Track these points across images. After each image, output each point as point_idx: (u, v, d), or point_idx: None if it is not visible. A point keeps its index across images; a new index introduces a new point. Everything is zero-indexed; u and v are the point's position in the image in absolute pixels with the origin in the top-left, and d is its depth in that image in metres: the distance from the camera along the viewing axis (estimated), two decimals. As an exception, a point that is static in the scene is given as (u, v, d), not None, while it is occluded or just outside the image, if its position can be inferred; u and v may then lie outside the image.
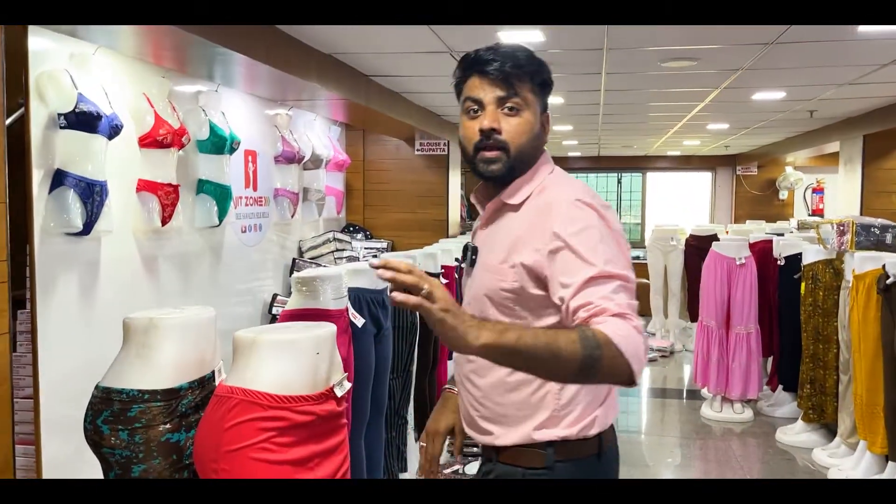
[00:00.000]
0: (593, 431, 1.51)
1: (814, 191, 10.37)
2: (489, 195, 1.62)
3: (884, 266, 3.71)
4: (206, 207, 3.87)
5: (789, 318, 5.11)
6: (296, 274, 2.85)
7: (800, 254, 5.01)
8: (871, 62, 3.85)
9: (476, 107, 1.53)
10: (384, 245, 5.84)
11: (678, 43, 3.45)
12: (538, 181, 1.56)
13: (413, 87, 4.77)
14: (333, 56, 3.85)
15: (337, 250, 5.31)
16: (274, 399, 1.54)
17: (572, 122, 6.61)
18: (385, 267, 1.23)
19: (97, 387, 1.75)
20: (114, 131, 3.05)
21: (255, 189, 4.55)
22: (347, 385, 1.70)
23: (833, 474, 4.13)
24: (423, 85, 4.67)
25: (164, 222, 3.44)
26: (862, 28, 3.04)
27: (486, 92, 1.51)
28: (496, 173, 1.53)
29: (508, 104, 1.51)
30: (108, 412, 1.71)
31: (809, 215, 9.89)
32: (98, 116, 2.91)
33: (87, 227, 2.92)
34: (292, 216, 4.99)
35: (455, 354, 1.68)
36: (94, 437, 1.72)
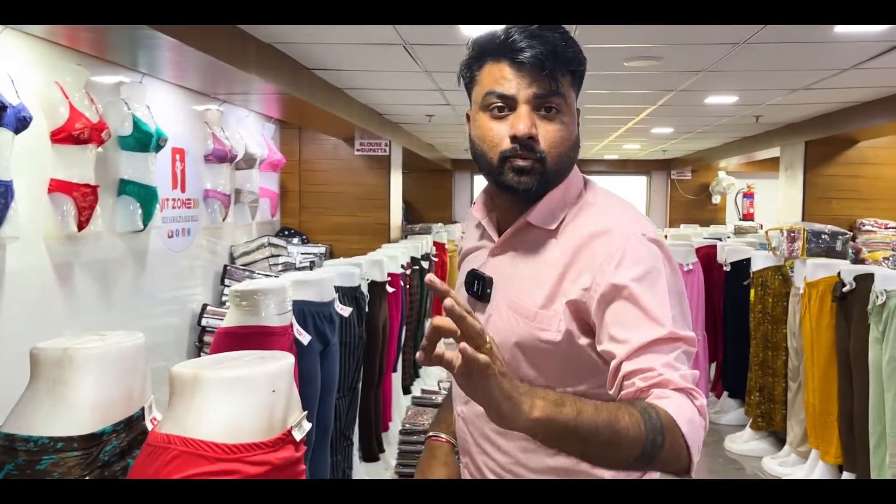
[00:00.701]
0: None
1: (744, 195, 10.59)
2: (507, 213, 1.33)
3: (839, 274, 3.67)
4: (128, 210, 3.51)
5: (735, 325, 5.08)
6: (234, 286, 2.56)
7: (745, 259, 4.98)
8: (833, 66, 3.80)
9: (503, 104, 1.24)
10: (322, 250, 5.53)
11: (645, 41, 3.30)
12: (575, 199, 1.29)
13: (357, 83, 4.49)
14: (273, 45, 3.55)
15: (272, 256, 4.98)
16: (222, 449, 1.27)
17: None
18: (457, 304, 0.92)
19: (-2, 433, 1.44)
20: (21, 124, 2.68)
21: (183, 190, 4.19)
22: (307, 426, 1.44)
23: (785, 484, 4.08)
24: (368, 81, 4.40)
25: (80, 227, 3.08)
26: (838, 29, 2.95)
27: (522, 87, 1.22)
28: (529, 187, 1.24)
29: (547, 104, 1.23)
30: (13, 465, 1.40)
31: (740, 219, 10.07)
32: (2, 107, 2.54)
33: (-11, 233, 2.55)
34: (224, 219, 4.64)
35: (455, 397, 1.45)
36: (-7, 495, 1.41)
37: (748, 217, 10.25)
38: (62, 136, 2.99)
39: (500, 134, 1.24)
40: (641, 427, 1.00)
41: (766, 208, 9.67)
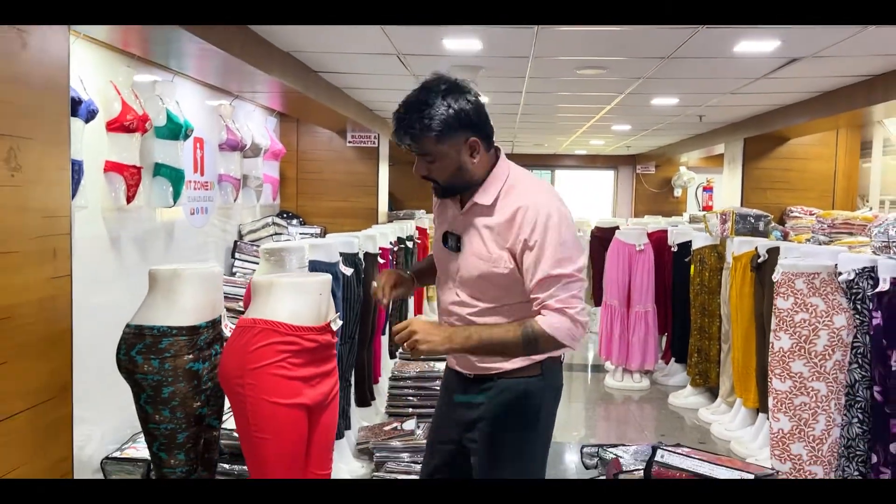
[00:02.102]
0: (558, 353, 1.97)
1: (704, 189, 11.37)
2: (464, 196, 1.95)
3: (756, 248, 4.41)
4: (162, 189, 4.15)
5: (681, 298, 5.82)
6: (264, 245, 3.23)
7: (689, 241, 5.72)
8: (746, 76, 4.55)
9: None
10: (318, 231, 6.19)
11: (592, 54, 4.01)
12: (502, 182, 1.90)
13: (355, 84, 5.17)
14: (287, 52, 4.22)
15: (276, 234, 5.63)
16: (289, 328, 1.96)
17: (492, 121, 7.14)
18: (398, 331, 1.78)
19: (129, 325, 2.11)
20: (90, 115, 3.33)
21: (202, 174, 4.84)
22: (339, 322, 2.12)
23: (714, 429, 4.82)
24: (364, 82, 5.07)
25: (128, 201, 3.73)
26: (737, 48, 3.68)
27: (408, 148, 1.88)
28: (439, 195, 1.96)
29: (423, 155, 1.87)
30: (141, 345, 2.07)
31: (700, 211, 10.84)
32: (78, 101, 3.19)
33: (67, 202, 3.20)
34: (234, 200, 5.29)
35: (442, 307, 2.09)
36: (128, 366, 2.08)
37: (707, 209, 11.04)
38: (116, 126, 3.64)
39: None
40: (520, 337, 1.78)
41: (724, 202, 10.48)
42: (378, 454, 3.83)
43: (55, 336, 1.82)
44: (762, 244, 4.37)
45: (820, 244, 4.89)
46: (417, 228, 7.20)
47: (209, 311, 2.19)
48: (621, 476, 3.18)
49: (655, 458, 2.82)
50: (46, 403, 1.78)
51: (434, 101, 1.82)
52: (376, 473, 3.73)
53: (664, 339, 6.40)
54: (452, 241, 1.95)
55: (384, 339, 5.32)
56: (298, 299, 2.00)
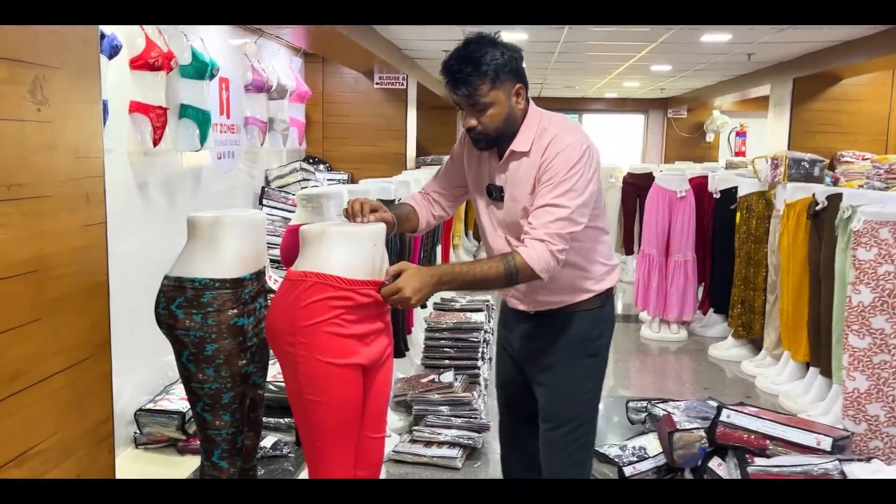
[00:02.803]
0: (610, 284, 2.13)
1: (737, 134, 11.01)
2: (501, 146, 2.01)
3: (813, 194, 4.17)
4: (188, 132, 3.95)
5: (722, 247, 5.61)
6: (301, 191, 3.05)
7: (734, 187, 5.47)
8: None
9: (459, 107, 1.98)
10: (345, 177, 6.00)
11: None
12: (535, 126, 1.98)
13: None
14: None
15: (304, 179, 5.44)
16: (343, 281, 1.78)
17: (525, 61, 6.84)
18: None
19: (167, 277, 1.95)
20: (114, 51, 3.12)
21: (228, 116, 4.63)
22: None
23: (760, 382, 4.66)
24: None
25: (154, 144, 3.54)
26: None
27: (458, 98, 1.94)
28: (483, 147, 2.02)
29: (473, 104, 1.93)
30: (182, 299, 1.91)
31: (733, 157, 10.52)
32: (101, 35, 2.97)
33: (92, 145, 3.01)
34: (261, 145, 5.09)
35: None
36: (168, 321, 1.92)
37: (740, 155, 10.71)
38: (140, 63, 3.42)
39: (464, 123, 2.02)
40: (502, 272, 1.85)
41: (758, 147, 10.13)
42: (417, 407, 3.71)
43: (91, 289, 1.66)
44: (820, 191, 4.13)
45: (875, 190, 4.64)
46: (446, 174, 6.98)
47: (253, 262, 2.02)
48: (676, 434, 3.03)
49: (721, 419, 2.65)
50: (84, 362, 1.62)
51: (485, 51, 1.91)
52: (416, 428, 3.61)
53: (701, 288, 6.20)
54: (496, 193, 2.05)
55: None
56: (352, 250, 1.82)
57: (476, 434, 3.54)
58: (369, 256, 1.85)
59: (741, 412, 2.63)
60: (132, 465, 3.35)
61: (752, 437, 2.57)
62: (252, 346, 2.02)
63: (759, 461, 2.49)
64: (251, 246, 2.01)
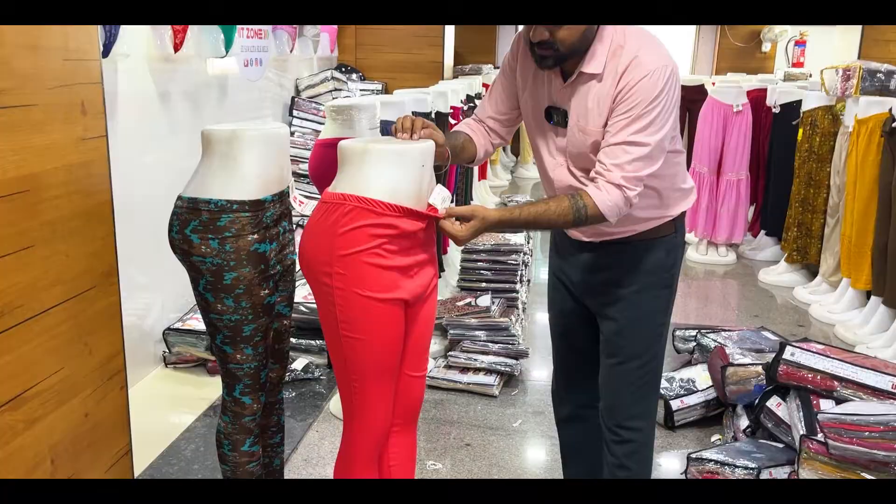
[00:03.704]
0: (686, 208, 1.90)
1: (796, 43, 10.32)
2: (567, 66, 1.74)
3: (890, 110, 3.80)
4: (212, 36, 3.70)
5: (779, 166, 5.25)
6: (330, 102, 2.81)
7: (795, 101, 5.07)
8: None
9: None
10: (379, 87, 5.70)
11: None
12: (608, 44, 1.69)
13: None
14: None
15: (335, 90, 5.17)
16: (387, 207, 1.57)
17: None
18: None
19: (181, 197, 1.75)
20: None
21: (254, 20, 4.34)
22: (446, 201, 1.71)
23: (815, 310, 4.41)
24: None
25: (175, 49, 3.30)
26: None
27: None
28: (549, 65, 1.72)
29: None
30: (197, 222, 1.72)
31: (791, 68, 9.89)
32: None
33: (106, 49, 2.80)
34: (290, 52, 4.81)
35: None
36: (183, 246, 1.74)
37: (798, 66, 10.06)
38: (156, -41, 3.14)
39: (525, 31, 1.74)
40: (569, 216, 1.67)
41: (817, 59, 9.48)
42: (452, 331, 3.56)
43: (92, 211, 1.47)
44: (898, 106, 3.75)
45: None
46: (484, 85, 6.63)
47: (276, 182, 1.82)
48: (730, 369, 2.84)
49: (784, 357, 2.44)
50: (87, 294, 1.46)
51: None
52: (451, 353, 3.47)
53: (752, 210, 5.88)
54: (558, 117, 1.80)
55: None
56: (398, 172, 1.59)
57: (513, 361, 3.39)
58: (417, 179, 1.63)
59: (807, 350, 2.41)
60: (161, 384, 3.28)
61: (819, 377, 2.36)
62: (275, 275, 1.84)
63: (826, 406, 2.29)
64: (273, 163, 1.80)
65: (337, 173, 1.64)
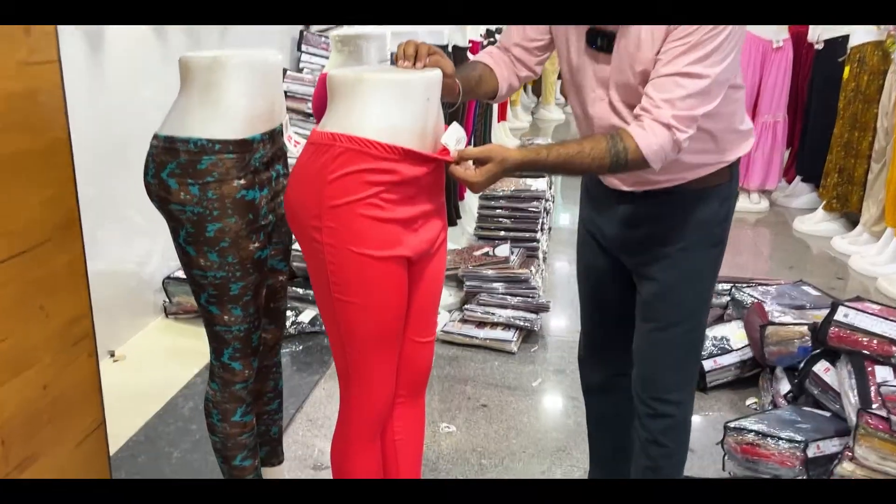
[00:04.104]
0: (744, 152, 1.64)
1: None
2: None
3: (952, 45, 3.45)
4: (210, -39, 3.40)
5: (820, 107, 4.91)
6: (335, 31, 2.54)
7: (841, 37, 4.69)
8: None
9: None
10: (393, 20, 5.36)
11: None
12: None
13: None
14: None
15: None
16: (385, 149, 1.33)
17: None
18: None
19: (156, 136, 1.52)
20: None
21: (258, -55, 4.02)
22: (461, 141, 1.47)
23: (855, 262, 4.15)
24: None
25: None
26: None
27: None
28: None
29: None
30: (174, 164, 1.49)
31: None
32: None
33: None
34: (298, -19, 4.48)
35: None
36: (160, 192, 1.52)
37: None
38: None
39: None
40: (606, 160, 1.42)
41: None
42: (468, 283, 3.34)
43: (42, 151, 1.25)
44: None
45: None
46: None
47: (265, 118, 1.57)
48: (770, 328, 2.61)
49: (836, 318, 2.20)
50: (40, 249, 1.25)
51: None
52: (468, 306, 3.26)
53: (787, 154, 5.55)
54: (603, 41, 1.53)
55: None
56: (399, 106, 1.34)
57: (533, 315, 3.18)
58: (421, 114, 1.39)
59: (862, 311, 2.18)
60: (161, 336, 3.11)
61: (875, 341, 2.13)
62: (267, 226, 1.62)
63: (883, 374, 2.06)
64: (263, 96, 1.56)
65: (326, 109, 1.39)
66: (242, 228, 1.54)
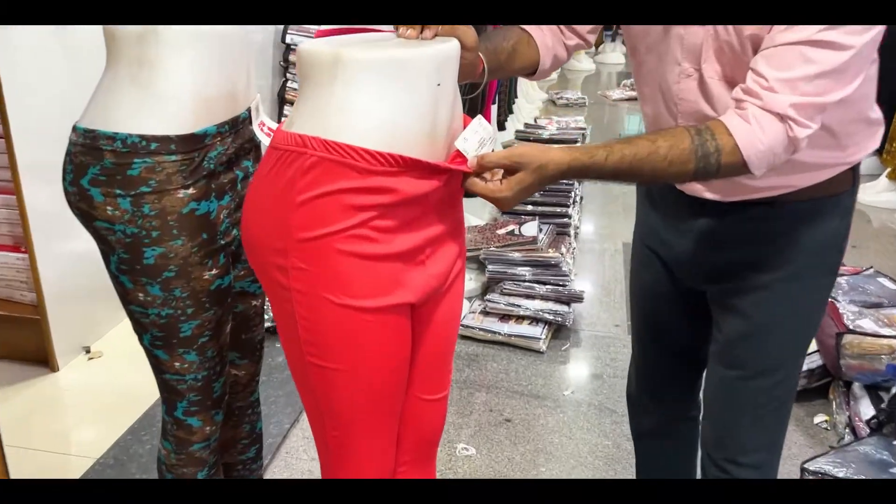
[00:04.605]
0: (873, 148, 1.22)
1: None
2: None
3: None
4: None
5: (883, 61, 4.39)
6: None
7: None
8: None
9: None
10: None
11: None
12: None
13: None
14: None
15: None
16: (377, 160, 0.93)
17: None
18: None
19: (75, 128, 1.14)
20: None
21: None
22: (487, 138, 1.07)
23: (923, 239, 3.70)
24: None
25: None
26: None
27: None
28: None
29: None
30: (98, 169, 1.11)
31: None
32: None
33: None
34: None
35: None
36: (81, 204, 1.14)
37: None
38: None
39: None
40: (690, 164, 1.03)
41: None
42: (491, 267, 2.96)
43: None
44: None
45: None
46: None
47: (224, 104, 1.18)
48: (848, 337, 2.21)
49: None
50: None
51: None
52: (489, 297, 2.88)
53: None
54: None
55: (493, 111, 4.25)
56: (395, 96, 0.94)
57: (565, 308, 2.79)
58: (429, 106, 0.98)
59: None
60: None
61: None
62: (230, 244, 1.24)
63: None
64: (220, 74, 1.16)
65: (297, 99, 0.99)
66: (193, 253, 1.16)
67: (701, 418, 1.45)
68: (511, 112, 5.34)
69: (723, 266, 1.26)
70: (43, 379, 2.41)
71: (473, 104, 3.38)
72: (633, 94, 7.24)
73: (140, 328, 1.21)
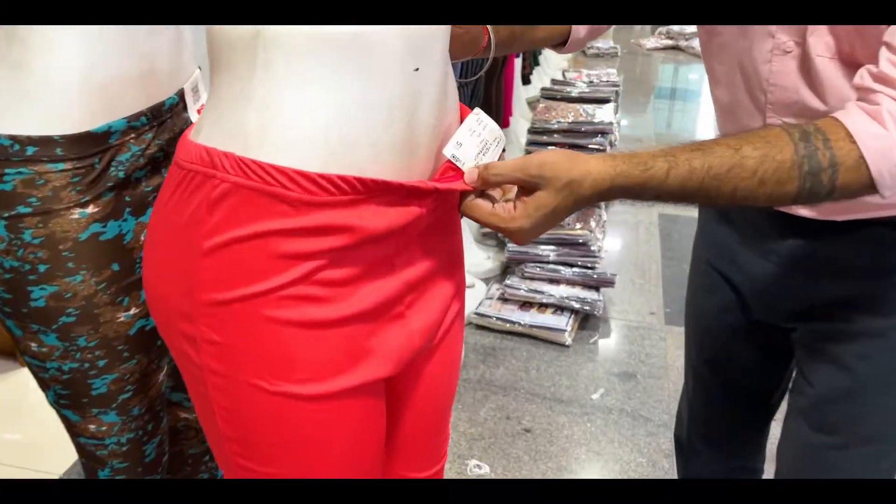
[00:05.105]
0: None
1: None
2: None
3: None
4: None
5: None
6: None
7: None
8: None
9: None
10: None
11: None
12: None
13: None
14: None
15: None
16: (321, 186, 0.62)
17: None
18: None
19: (-68, 126, 0.84)
20: None
21: None
22: (493, 139, 0.76)
23: None
24: None
25: None
26: None
27: None
28: None
29: None
30: (-40, 182, 0.81)
31: None
32: None
33: None
34: None
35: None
36: (-53, 229, 0.85)
37: None
38: None
39: None
40: (795, 171, 0.71)
41: None
42: (511, 247, 2.65)
43: None
44: None
45: None
46: None
47: (139, 88, 0.87)
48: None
49: None
50: None
51: None
52: (508, 282, 2.57)
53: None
54: None
55: (517, 64, 3.89)
56: (342, 89, 0.62)
57: (594, 295, 2.49)
58: (402, 100, 0.66)
59: None
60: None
61: None
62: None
63: None
64: (128, 45, 0.85)
65: (208, 95, 0.68)
66: (99, 291, 0.87)
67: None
68: (537, 63, 4.96)
69: (819, 302, 0.94)
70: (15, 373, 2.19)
71: (493, 64, 3.04)
72: (670, 42, 6.76)
73: (41, 383, 0.93)
